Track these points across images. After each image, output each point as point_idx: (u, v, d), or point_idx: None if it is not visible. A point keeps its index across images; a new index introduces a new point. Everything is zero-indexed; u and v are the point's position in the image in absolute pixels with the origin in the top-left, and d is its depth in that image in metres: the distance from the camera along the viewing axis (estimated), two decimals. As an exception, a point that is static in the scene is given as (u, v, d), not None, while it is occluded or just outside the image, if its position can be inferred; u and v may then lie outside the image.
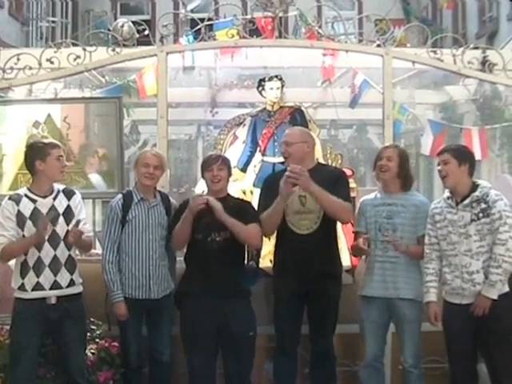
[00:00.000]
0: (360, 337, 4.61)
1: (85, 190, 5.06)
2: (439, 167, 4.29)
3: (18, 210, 4.19)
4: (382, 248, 4.47)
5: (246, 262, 4.54)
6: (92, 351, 4.53)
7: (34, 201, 4.23)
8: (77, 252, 4.47)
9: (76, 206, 4.34)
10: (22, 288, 4.21)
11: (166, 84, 5.34)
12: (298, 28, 6.72)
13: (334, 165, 5.67)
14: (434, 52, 5.43)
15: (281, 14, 5.43)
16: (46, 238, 4.17)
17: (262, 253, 4.63)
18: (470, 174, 4.26)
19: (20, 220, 4.19)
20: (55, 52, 5.26)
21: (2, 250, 4.17)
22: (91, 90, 6.78)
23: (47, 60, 5.23)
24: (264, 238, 4.62)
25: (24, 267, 4.20)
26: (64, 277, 4.23)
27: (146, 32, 5.45)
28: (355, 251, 4.70)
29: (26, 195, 4.25)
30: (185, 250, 4.52)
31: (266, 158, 5.85)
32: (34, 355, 4.22)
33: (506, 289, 4.10)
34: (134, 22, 5.98)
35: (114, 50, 5.33)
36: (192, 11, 13.10)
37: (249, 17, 5.60)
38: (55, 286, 4.21)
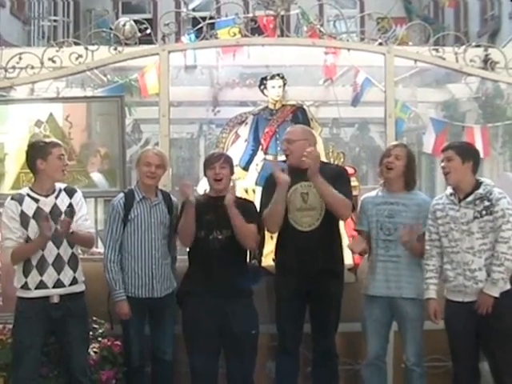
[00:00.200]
0: (362, 335, 4.61)
1: (87, 188, 5.07)
2: (443, 164, 4.29)
3: (21, 210, 4.20)
4: (384, 247, 4.46)
5: (247, 260, 4.54)
6: (94, 350, 4.53)
7: (36, 200, 4.23)
8: (79, 251, 4.48)
9: (77, 203, 4.35)
10: (24, 287, 4.21)
11: (167, 83, 5.34)
12: (300, 26, 6.72)
13: (336, 163, 5.67)
14: (436, 50, 5.42)
15: (283, 13, 5.43)
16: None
17: (264, 251, 4.63)
18: (474, 171, 4.25)
19: (24, 220, 4.19)
20: (57, 51, 5.27)
21: (11, 254, 4.19)
22: (93, 89, 6.80)
23: (49, 59, 5.23)
24: (266, 237, 4.63)
25: (27, 266, 4.21)
26: (67, 275, 4.24)
27: (148, 31, 5.44)
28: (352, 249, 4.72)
29: (28, 195, 4.26)
30: (187, 249, 4.53)
31: (268, 157, 5.85)
32: (36, 354, 4.22)
33: (508, 286, 4.10)
34: (135, 21, 5.98)
35: (115, 49, 5.33)
36: (194, 10, 13.08)
37: (251, 15, 5.59)
38: (58, 284, 4.21)
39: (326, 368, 4.54)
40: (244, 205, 4.47)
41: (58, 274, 4.21)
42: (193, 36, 5.97)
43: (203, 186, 4.92)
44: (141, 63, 6.12)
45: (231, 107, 7.80)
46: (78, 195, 4.40)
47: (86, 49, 5.25)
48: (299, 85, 7.06)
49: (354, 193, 4.85)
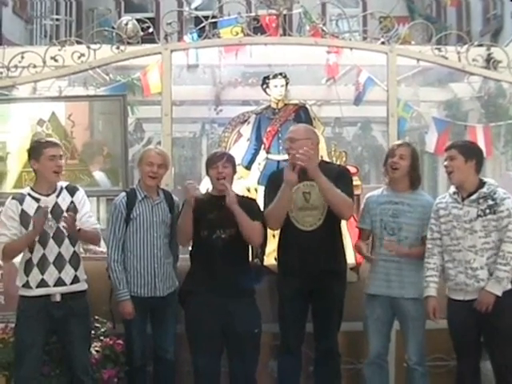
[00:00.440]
0: (364, 334, 4.60)
1: (89, 187, 5.06)
2: (446, 163, 4.28)
3: (22, 210, 4.20)
4: (387, 246, 4.47)
5: (250, 259, 4.53)
6: (96, 349, 4.53)
7: (37, 199, 4.24)
8: (81, 250, 4.48)
9: (80, 201, 4.35)
10: (26, 285, 4.22)
11: (170, 82, 5.34)
12: (303, 25, 6.71)
13: (338, 162, 5.67)
14: (439, 49, 5.41)
15: (285, 12, 5.43)
16: (51, 234, 4.18)
17: (267, 250, 4.62)
18: (477, 170, 4.25)
19: (24, 219, 4.19)
20: (59, 50, 5.27)
21: (3, 249, 4.18)
22: (95, 87, 6.80)
23: (51, 58, 5.23)
24: (269, 236, 4.62)
25: (28, 265, 4.22)
26: (68, 273, 4.24)
27: (150, 30, 5.46)
28: (357, 251, 4.71)
29: (29, 194, 4.26)
30: (189, 248, 4.53)
31: (270, 156, 5.85)
32: (38, 353, 4.23)
33: (510, 286, 4.11)
34: (138, 20, 6.00)
35: (118, 48, 5.33)
36: (196, 9, 13.07)
37: (253, 14, 5.60)
38: (59, 282, 4.21)
39: (328, 367, 4.54)
40: (247, 203, 4.46)
41: (59, 272, 4.22)
42: (195, 35, 5.97)
43: (205, 186, 4.92)
44: (143, 62, 6.13)
45: (233, 106, 7.80)
46: (80, 193, 4.40)
47: (89, 48, 5.25)
48: (302, 84, 7.05)
49: (357, 192, 4.85)
